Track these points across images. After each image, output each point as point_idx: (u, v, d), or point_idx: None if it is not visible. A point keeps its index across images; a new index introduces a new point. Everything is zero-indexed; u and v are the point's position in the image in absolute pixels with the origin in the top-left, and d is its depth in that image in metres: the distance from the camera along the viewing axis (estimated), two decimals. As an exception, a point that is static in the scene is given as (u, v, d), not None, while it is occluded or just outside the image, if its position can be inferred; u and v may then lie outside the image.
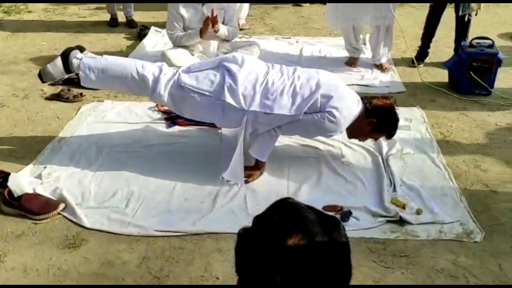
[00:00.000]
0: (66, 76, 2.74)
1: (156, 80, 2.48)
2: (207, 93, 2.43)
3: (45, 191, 2.42)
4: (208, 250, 2.11)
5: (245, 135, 2.46)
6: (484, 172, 2.59)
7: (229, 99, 2.39)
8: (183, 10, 3.64)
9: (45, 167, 2.63)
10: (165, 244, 2.15)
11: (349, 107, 2.43)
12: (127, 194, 2.44)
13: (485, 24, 4.65)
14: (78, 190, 2.47)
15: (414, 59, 3.82)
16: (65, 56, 2.54)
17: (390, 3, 3.46)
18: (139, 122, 3.12)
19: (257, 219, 0.87)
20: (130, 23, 4.97)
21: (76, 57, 2.52)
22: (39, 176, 2.54)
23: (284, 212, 0.85)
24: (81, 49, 2.56)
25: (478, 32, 4.09)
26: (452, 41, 4.18)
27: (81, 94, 3.43)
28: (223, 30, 3.69)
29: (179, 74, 2.49)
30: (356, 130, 2.52)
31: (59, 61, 2.57)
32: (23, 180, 2.43)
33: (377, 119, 2.45)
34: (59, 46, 4.27)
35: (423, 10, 4.99)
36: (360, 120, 2.46)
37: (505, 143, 2.87)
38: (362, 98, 2.53)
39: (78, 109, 3.29)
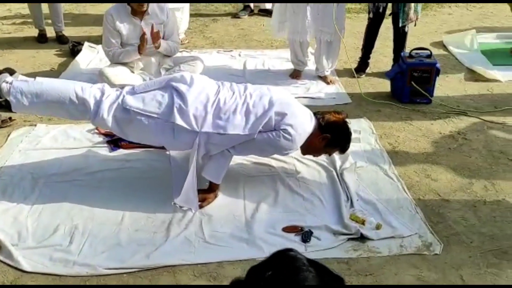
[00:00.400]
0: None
1: (98, 104, 2.30)
2: (155, 115, 2.28)
3: (-26, 232, 2.16)
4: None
5: (198, 157, 2.34)
6: (435, 181, 2.64)
7: (179, 120, 2.26)
8: (120, 25, 3.44)
9: (-28, 205, 2.35)
10: (118, 283, 1.97)
11: (303, 124, 2.38)
12: (70, 229, 2.23)
13: (418, 33, 4.83)
14: (14, 228, 2.23)
15: (354, 71, 3.88)
16: (-7, 80, 2.30)
17: (334, 19, 3.47)
18: (78, 147, 2.90)
19: (252, 272, 0.76)
20: (61, 39, 4.66)
21: (6, 81, 2.28)
22: (-34, 216, 2.27)
23: (281, 269, 0.75)
24: (11, 71, 2.32)
25: (412, 41, 4.24)
26: (388, 51, 4.30)
27: (10, 118, 3.14)
28: (163, 45, 3.53)
29: (124, 96, 2.33)
30: (310, 146, 2.48)
31: None
32: None
33: (331, 135, 2.42)
34: (-18, 66, 3.91)
35: (358, 20, 5.14)
36: (314, 136, 2.42)
37: (450, 150, 2.95)
38: (314, 114, 2.49)
39: (8, 136, 3.01)
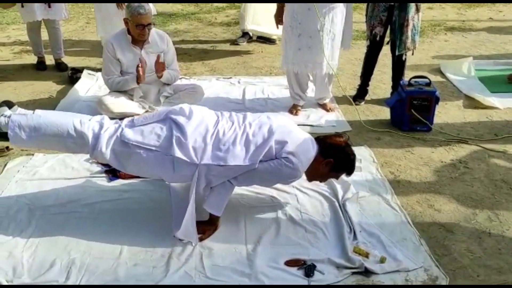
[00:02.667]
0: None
1: (97, 137, 2.27)
2: (154, 148, 2.26)
3: (-33, 268, 2.10)
4: (166, 324, 1.90)
5: (198, 190, 2.30)
6: (438, 212, 2.61)
7: (178, 153, 2.23)
8: (121, 54, 3.45)
9: (-33, 238, 2.30)
10: (115, 321, 1.91)
11: (305, 151, 2.35)
12: (67, 263, 2.18)
13: (415, 60, 4.86)
14: (9, 263, 2.17)
15: (351, 99, 3.89)
16: (-9, 113, 2.28)
17: (324, 52, 3.46)
18: (76, 177, 2.86)
19: None
20: (60, 66, 4.68)
21: (4, 115, 2.27)
22: (-41, 250, 2.22)
23: None
24: (10, 104, 2.30)
25: (409, 68, 4.25)
26: (386, 77, 4.33)
27: (7, 147, 3.11)
28: (165, 75, 3.54)
29: (122, 129, 2.31)
30: (315, 173, 2.45)
31: None
32: None
33: (334, 159, 2.39)
34: (-20, 94, 3.90)
35: (356, 47, 5.18)
36: (317, 162, 2.39)
37: (452, 179, 2.92)
38: (316, 139, 2.47)
39: (5, 165, 2.97)
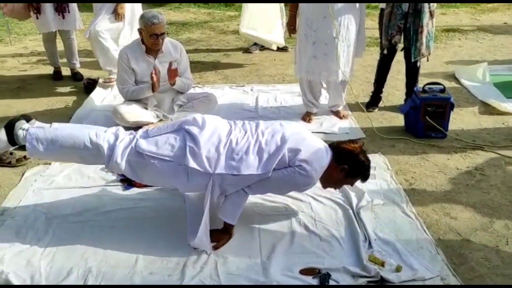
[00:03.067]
0: (11, 149, 2.50)
1: (112, 148, 2.30)
2: (168, 159, 2.28)
3: (-13, 277, 2.13)
4: (181, 333, 1.90)
5: (213, 199, 2.31)
6: (455, 220, 2.58)
7: (192, 163, 2.25)
8: (135, 64, 3.49)
9: (-14, 247, 2.34)
10: (132, 330, 1.92)
11: (319, 158, 2.35)
12: (83, 272, 2.20)
13: (429, 66, 4.83)
14: (27, 271, 2.20)
15: (363, 107, 3.87)
16: (10, 127, 2.33)
17: (339, 61, 3.46)
18: (92, 185, 2.89)
19: None
20: (75, 76, 4.75)
21: (22, 128, 2.31)
22: (-21, 259, 2.25)
23: None
24: (27, 118, 2.35)
25: (423, 74, 4.23)
26: (400, 84, 4.32)
27: (24, 157, 3.16)
28: (178, 83, 3.57)
29: (137, 140, 2.33)
30: (329, 179, 2.44)
31: (3, 134, 2.35)
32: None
33: (348, 165, 2.38)
34: (-2, 104, 3.98)
35: (369, 54, 5.17)
36: (331, 168, 2.38)
37: (468, 187, 2.89)
38: (329, 145, 2.46)
39: (22, 175, 3.02)
